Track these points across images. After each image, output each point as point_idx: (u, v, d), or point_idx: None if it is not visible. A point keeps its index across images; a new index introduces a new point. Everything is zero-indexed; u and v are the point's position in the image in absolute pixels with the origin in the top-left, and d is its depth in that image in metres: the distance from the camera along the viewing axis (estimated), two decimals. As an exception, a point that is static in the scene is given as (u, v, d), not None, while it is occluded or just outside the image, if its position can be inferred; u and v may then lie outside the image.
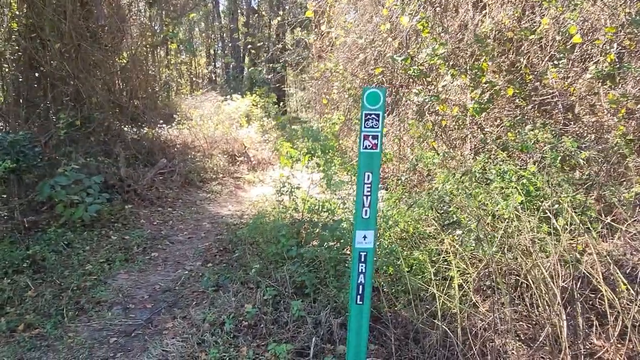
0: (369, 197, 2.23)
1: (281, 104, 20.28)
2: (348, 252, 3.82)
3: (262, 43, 28.11)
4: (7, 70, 7.83)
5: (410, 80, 5.36)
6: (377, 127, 2.15)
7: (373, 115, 2.14)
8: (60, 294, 3.67)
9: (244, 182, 8.57)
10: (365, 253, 2.30)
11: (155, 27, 12.48)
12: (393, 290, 3.37)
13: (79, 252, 4.52)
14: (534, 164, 3.79)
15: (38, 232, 5.01)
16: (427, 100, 4.89)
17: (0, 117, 7.54)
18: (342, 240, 3.80)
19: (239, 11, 27.57)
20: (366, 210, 2.24)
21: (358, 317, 2.38)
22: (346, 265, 3.71)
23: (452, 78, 4.95)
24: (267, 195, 6.48)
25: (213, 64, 28.83)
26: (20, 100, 7.58)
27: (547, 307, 2.72)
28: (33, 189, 5.71)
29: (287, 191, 4.40)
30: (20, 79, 7.65)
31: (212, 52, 29.60)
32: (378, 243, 3.71)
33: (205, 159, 9.14)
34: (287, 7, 26.41)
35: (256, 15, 27.62)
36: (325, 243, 3.98)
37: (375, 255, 3.50)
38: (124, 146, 8.02)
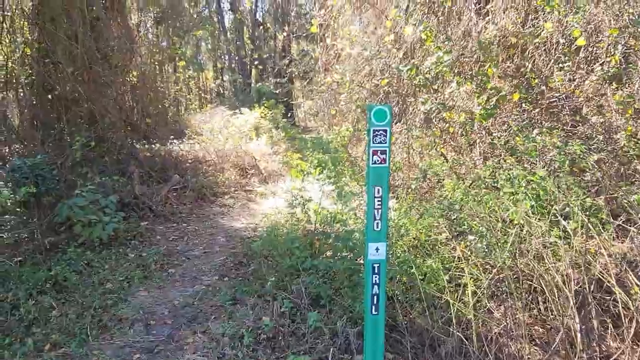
0: (379, 210, 2.29)
1: (289, 114, 20.47)
2: (362, 262, 3.88)
3: (267, 55, 28.42)
4: (21, 94, 8.05)
5: (416, 89, 5.43)
6: (385, 143, 2.23)
7: (380, 131, 2.22)
8: (83, 313, 3.77)
9: (256, 194, 8.66)
10: (378, 264, 2.36)
11: (163, 45, 12.76)
12: (407, 298, 3.42)
13: (98, 271, 4.63)
14: (543, 168, 3.82)
15: (58, 252, 5.13)
16: (433, 108, 4.95)
17: (17, 140, 7.77)
18: (355, 251, 3.86)
19: (244, 25, 27.93)
20: (377, 223, 2.31)
21: (374, 327, 2.44)
22: (360, 275, 3.76)
23: (457, 85, 5.01)
24: (279, 207, 6.56)
25: (220, 77, 29.18)
26: (36, 123, 7.79)
27: (560, 311, 2.75)
28: (51, 210, 5.86)
29: (299, 204, 4.48)
30: (35, 102, 7.87)
31: (219, 65, 29.98)
32: (391, 252, 3.77)
33: (216, 173, 9.28)
34: (292, 19, 26.73)
35: (261, 27, 27.95)
36: (339, 254, 4.05)
37: (389, 264, 3.56)
38: (137, 164, 8.18)
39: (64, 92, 7.61)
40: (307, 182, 5.55)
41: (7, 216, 5.79)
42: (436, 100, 5.18)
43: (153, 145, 9.46)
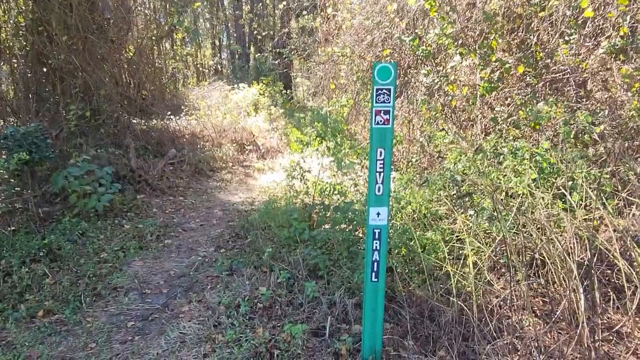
0: (381, 174, 2.21)
1: (288, 92, 20.22)
2: (361, 235, 3.82)
3: (267, 32, 27.96)
4: (15, 65, 7.89)
5: (419, 61, 5.29)
6: (389, 102, 2.13)
7: (384, 90, 2.12)
8: (77, 281, 3.72)
9: (254, 170, 8.58)
10: (379, 230, 2.30)
11: (160, 19, 12.47)
12: (407, 270, 3.37)
13: (93, 240, 4.57)
14: (548, 141, 3.74)
15: (53, 222, 5.07)
16: (435, 81, 4.83)
17: (11, 111, 7.62)
18: (354, 222, 3.80)
19: (242, 1, 27.40)
20: (379, 187, 2.23)
21: (373, 295, 2.39)
22: (359, 246, 3.71)
23: (461, 57, 4.88)
24: (277, 181, 6.48)
25: (219, 54, 28.77)
26: (30, 95, 7.64)
27: (563, 283, 2.71)
28: (46, 180, 5.78)
29: (297, 175, 4.40)
30: (29, 74, 7.71)
31: (217, 42, 29.52)
32: (390, 224, 3.70)
33: (214, 149, 9.16)
34: (291, -5, 26.19)
35: (260, 3, 27.43)
36: (337, 225, 3.99)
37: (389, 236, 3.50)
38: (134, 137, 8.07)
39: (58, 64, 7.44)
40: (306, 156, 5.46)
41: (3, 179, 5.70)
42: (438, 73, 5.06)
43: (150, 120, 9.32)
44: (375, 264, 2.34)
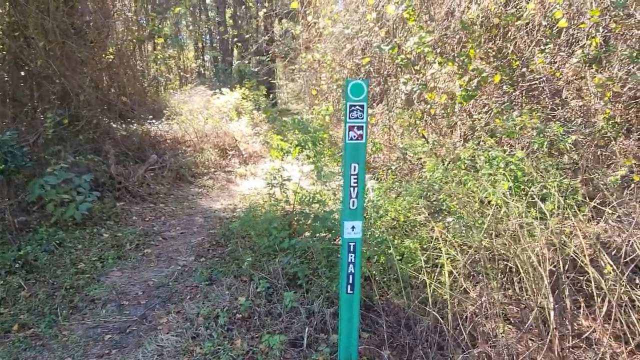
0: (355, 188, 2.24)
1: (271, 96, 20.20)
2: (340, 243, 3.85)
3: (249, 35, 27.92)
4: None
5: (398, 69, 5.36)
6: (362, 118, 2.17)
7: (357, 107, 2.15)
8: (54, 294, 3.67)
9: (236, 175, 8.55)
10: (354, 243, 2.33)
11: (141, 22, 12.34)
12: (385, 278, 3.41)
13: (71, 251, 4.51)
14: (522, 150, 3.82)
15: (29, 232, 4.99)
16: (415, 89, 4.90)
17: (-14, 117, 7.48)
18: (333, 231, 3.82)
19: (225, 3, 27.31)
20: (353, 202, 2.26)
21: (349, 306, 2.42)
22: (338, 255, 3.74)
23: (439, 66, 4.96)
24: (258, 188, 6.49)
25: (201, 57, 28.62)
26: (7, 100, 7.50)
27: (535, 291, 2.77)
28: (22, 189, 5.68)
29: (278, 183, 4.41)
30: (6, 78, 7.57)
31: (200, 45, 29.36)
32: (369, 233, 3.74)
33: (196, 154, 9.11)
34: (274, -1, 26.26)
35: (243, 6, 27.36)
36: (317, 234, 4.01)
37: (366, 245, 3.54)
38: (114, 143, 7.97)
39: (36, 68, 7.32)
40: (287, 163, 5.48)
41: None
42: (418, 81, 5.13)
43: (130, 125, 9.22)
44: (351, 276, 2.37)
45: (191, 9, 26.36)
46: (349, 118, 2.16)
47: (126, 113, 9.54)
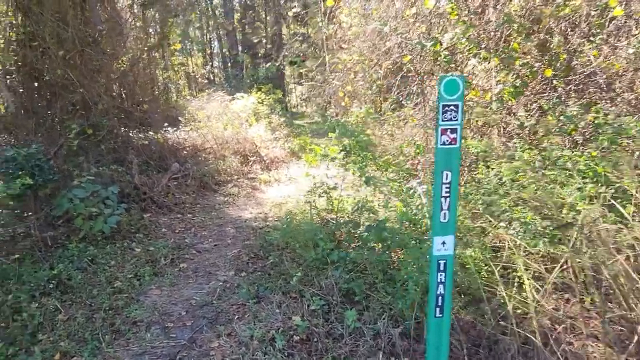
0: (447, 199, 1.98)
1: (283, 99, 19.98)
2: (394, 255, 3.58)
3: (259, 39, 27.84)
4: (9, 81, 7.61)
5: (439, 66, 5.08)
6: (456, 119, 1.91)
7: (452, 107, 1.89)
8: (93, 316, 3.44)
9: (260, 182, 8.32)
10: (444, 261, 2.06)
11: (151, 30, 12.20)
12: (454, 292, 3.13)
13: (104, 268, 4.29)
14: (596, 149, 3.53)
15: (59, 248, 4.79)
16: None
17: (4, 127, 7.33)
18: (389, 243, 3.55)
19: (234, 8, 27.27)
20: (445, 214, 2.00)
21: (437, 331, 2.15)
22: (395, 267, 3.48)
23: (482, 61, 4.69)
24: (291, 195, 6.26)
25: (210, 63, 28.57)
26: (25, 111, 7.35)
27: (636, 306, 2.48)
28: (47, 202, 5.48)
29: (322, 192, 4.16)
30: (22, 90, 7.43)
31: (208, 51, 29.32)
32: (427, 243, 3.47)
33: (217, 161, 8.90)
34: (282, 1, 26.14)
35: (251, 11, 27.26)
36: (367, 245, 3.75)
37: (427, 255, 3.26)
38: (135, 152, 7.78)
39: (54, 78, 7.15)
40: (320, 168, 5.24)
41: (1, 209, 5.40)
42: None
43: (148, 133, 9.03)
44: (440, 298, 2.11)
45: (199, 15, 26.33)
46: (442, 120, 1.90)
47: (143, 121, 9.37)
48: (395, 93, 5.68)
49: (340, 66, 6.39)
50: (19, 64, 7.46)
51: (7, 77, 7.64)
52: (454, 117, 1.90)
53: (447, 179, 1.97)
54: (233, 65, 26.82)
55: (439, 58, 4.77)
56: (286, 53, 23.61)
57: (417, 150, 4.71)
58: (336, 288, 3.39)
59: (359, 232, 3.80)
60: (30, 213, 5.26)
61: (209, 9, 27.37)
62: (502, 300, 2.75)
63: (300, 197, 5.82)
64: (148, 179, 7.31)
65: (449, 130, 1.92)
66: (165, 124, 9.76)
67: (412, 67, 5.18)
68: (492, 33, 4.83)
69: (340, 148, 3.92)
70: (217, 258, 4.71)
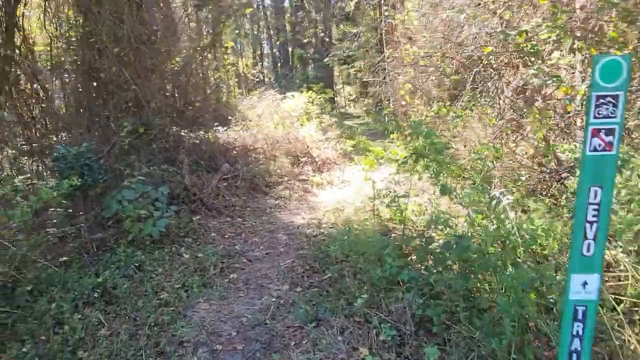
0: (594, 225, 1.45)
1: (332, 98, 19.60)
2: (478, 281, 3.04)
3: (308, 40, 27.69)
4: (67, 80, 7.68)
5: (524, 58, 4.46)
6: (615, 117, 1.38)
7: (609, 98, 1.37)
8: (137, 332, 3.14)
9: (312, 185, 7.93)
10: (584, 307, 1.54)
11: (205, 30, 12.17)
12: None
13: (151, 276, 4.01)
14: None
15: (106, 251, 4.59)
16: (547, 81, 4.00)
17: (63, 126, 7.36)
18: (474, 267, 3.00)
19: (284, 9, 27.29)
20: (589, 245, 1.48)
21: (567, 398, 1.62)
22: (478, 294, 2.95)
23: (577, 52, 4.04)
24: (347, 201, 5.81)
25: (260, 63, 28.71)
26: (81, 109, 7.36)
27: None
28: (98, 201, 5.34)
29: (391, 200, 3.67)
30: (80, 88, 7.46)
31: (258, 52, 29.49)
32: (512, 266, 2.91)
33: (268, 162, 8.60)
34: (332, 1, 25.87)
35: (302, 11, 27.12)
36: (443, 265, 3.23)
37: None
38: (186, 152, 7.61)
39: (109, 76, 7.10)
40: (379, 171, 4.77)
41: (52, 209, 5.30)
42: (547, 72, 4.21)
43: (199, 132, 8.88)
44: (575, 355, 1.58)
45: (248, 16, 26.49)
46: (595, 116, 1.38)
47: (194, 120, 9.24)
48: (469, 89, 5.09)
49: (408, 59, 5.86)
50: (78, 63, 7.51)
51: (66, 76, 7.73)
52: (611, 114, 1.38)
53: (595, 197, 1.44)
54: (283, 65, 26.83)
55: (525, 49, 4.16)
56: (336, 52, 23.28)
57: (496, 155, 4.12)
58: (409, 314, 2.90)
59: (433, 248, 3.27)
60: (81, 212, 5.12)
61: (260, 10, 27.48)
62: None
63: (357, 202, 5.36)
64: (198, 179, 7.10)
65: (603, 131, 1.39)
66: (216, 123, 9.61)
67: (489, 60, 4.58)
68: (588, 20, 4.16)
69: (410, 150, 3.42)
70: (269, 268, 4.33)
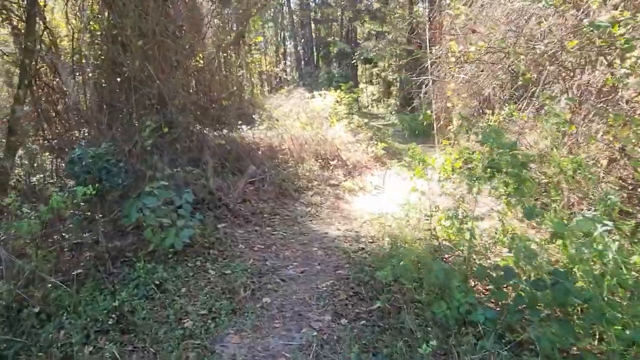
0: None
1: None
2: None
3: (332, 38, 27.18)
4: (90, 75, 7.33)
5: (615, 54, 3.81)
6: None
7: None
8: (157, 373, 2.65)
9: (344, 190, 7.37)
10: None
11: (227, 27, 11.77)
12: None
13: (174, 298, 3.52)
14: None
15: (124, 263, 4.14)
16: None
17: (85, 122, 7.01)
18: (569, 308, 2.41)
19: (309, 7, 26.83)
20: None
21: None
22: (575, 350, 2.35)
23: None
24: (385, 210, 5.24)
25: (284, 62, 28.28)
26: (104, 106, 6.98)
27: None
28: (118, 204, 4.90)
29: (459, 220, 3.10)
30: (104, 84, 7.09)
31: (282, 50, 29.07)
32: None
33: (296, 164, 8.09)
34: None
35: (327, 9, 26.60)
36: (527, 303, 2.64)
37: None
38: (210, 153, 7.14)
39: (132, 72, 6.68)
40: (428, 182, 4.20)
41: (70, 212, 4.87)
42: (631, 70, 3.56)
43: (223, 131, 8.40)
44: None
45: (272, 15, 26.08)
46: None
47: (219, 119, 8.79)
48: (540, 90, 4.44)
49: (471, 56, 5.23)
50: (102, 58, 7.16)
51: (88, 70, 7.38)
52: None
53: None
54: (307, 64, 26.34)
55: (616, 43, 3.53)
56: (361, 51, 22.69)
57: (581, 171, 3.49)
58: (491, 371, 2.33)
59: (517, 284, 2.68)
60: (100, 216, 4.68)
61: (284, 8, 27.04)
62: None
63: (402, 215, 4.77)
64: (223, 183, 6.62)
65: None
66: (239, 122, 9.15)
67: (566, 57, 3.94)
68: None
69: (485, 164, 2.84)
70: (306, 291, 3.79)
